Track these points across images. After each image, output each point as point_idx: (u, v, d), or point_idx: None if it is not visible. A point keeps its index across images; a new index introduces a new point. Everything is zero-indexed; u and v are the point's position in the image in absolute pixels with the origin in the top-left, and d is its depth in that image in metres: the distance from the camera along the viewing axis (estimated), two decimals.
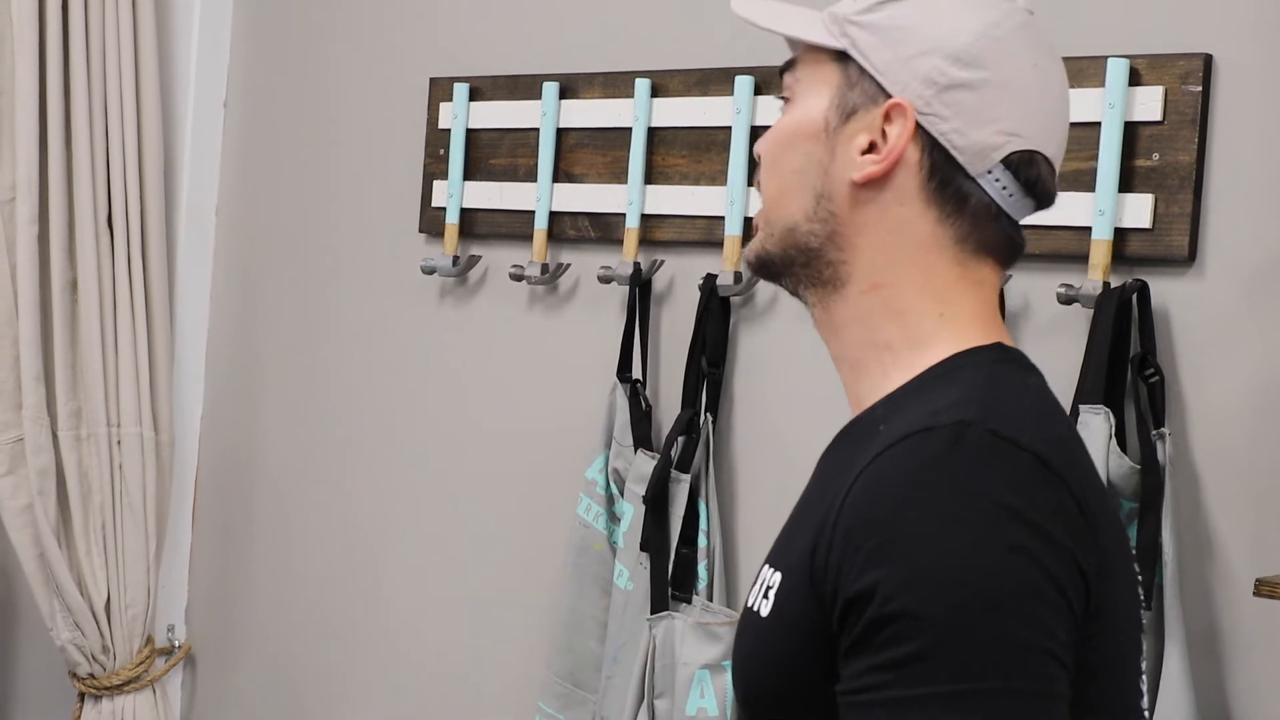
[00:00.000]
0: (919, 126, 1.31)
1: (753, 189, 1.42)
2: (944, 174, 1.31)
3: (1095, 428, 2.02)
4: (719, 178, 2.51)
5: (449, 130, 2.89)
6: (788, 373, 2.47)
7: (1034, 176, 1.33)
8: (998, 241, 1.34)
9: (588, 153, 2.71)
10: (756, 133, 2.46)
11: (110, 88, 3.10)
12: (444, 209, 2.89)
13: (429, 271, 2.90)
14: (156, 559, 3.20)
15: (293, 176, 3.27)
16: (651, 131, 2.60)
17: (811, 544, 1.24)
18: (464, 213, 2.87)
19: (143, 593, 3.18)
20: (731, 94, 2.49)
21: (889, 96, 1.31)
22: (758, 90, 2.47)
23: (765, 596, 1.30)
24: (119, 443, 3.14)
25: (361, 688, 3.08)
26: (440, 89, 2.94)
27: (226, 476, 3.37)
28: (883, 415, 1.30)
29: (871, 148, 1.32)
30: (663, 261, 2.60)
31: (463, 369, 2.94)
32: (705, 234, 2.54)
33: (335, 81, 3.19)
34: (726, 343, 2.51)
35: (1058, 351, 2.15)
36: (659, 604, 2.43)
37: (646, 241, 2.60)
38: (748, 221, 2.46)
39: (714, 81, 2.54)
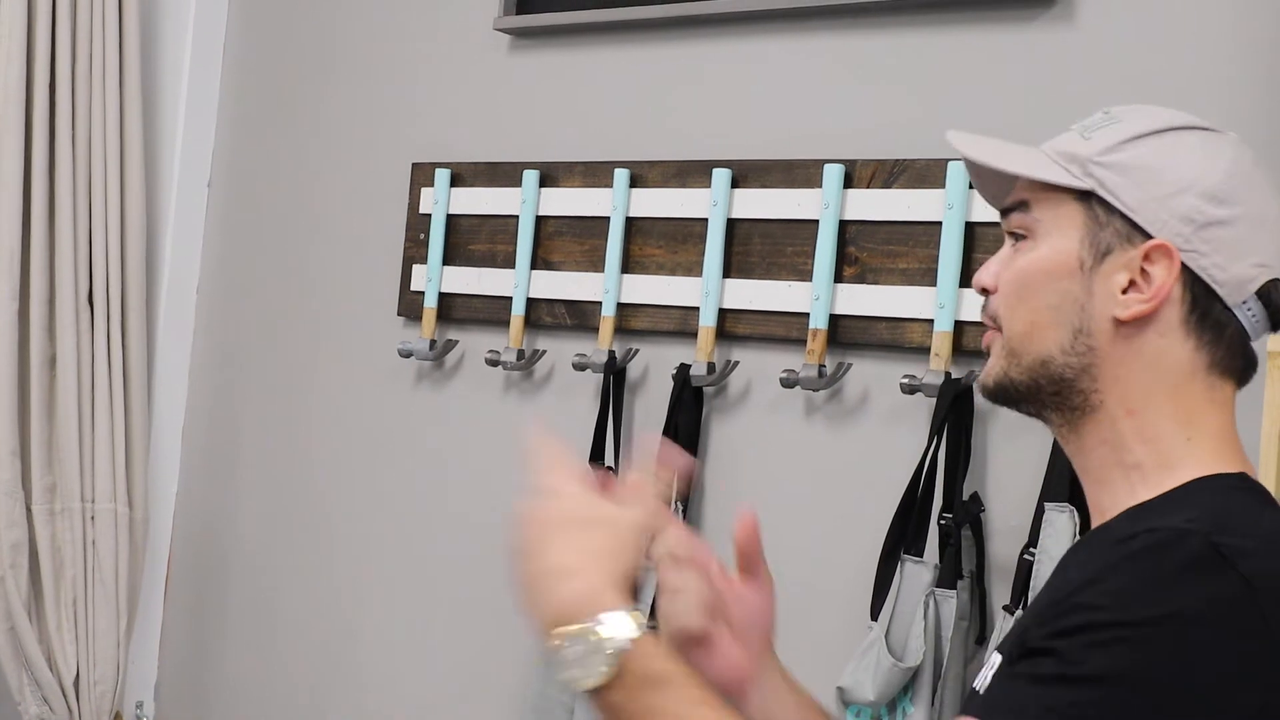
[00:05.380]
0: (1181, 263, 1.35)
1: (984, 315, 1.45)
2: (1204, 306, 1.36)
3: (1060, 526, 2.04)
4: (694, 268, 2.54)
5: (429, 215, 2.91)
6: (759, 463, 2.48)
7: (1277, 302, 1.39)
8: (1241, 364, 1.40)
9: (566, 241, 2.74)
10: (733, 225, 2.49)
11: (95, 165, 3.12)
12: (423, 293, 2.91)
13: (406, 355, 2.91)
14: (127, 635, 3.19)
15: (274, 257, 3.29)
16: (629, 221, 2.63)
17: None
18: (442, 297, 2.89)
19: (112, 668, 3.17)
20: (709, 186, 2.51)
21: (1144, 234, 1.35)
22: (734, 183, 2.50)
23: (986, 679, 1.34)
24: (93, 518, 3.14)
25: None
26: (422, 174, 2.96)
27: (200, 554, 3.37)
28: (1123, 528, 1.32)
29: (1131, 285, 1.36)
30: (637, 350, 2.62)
31: (438, 452, 2.95)
32: (680, 324, 2.56)
33: (318, 164, 3.22)
34: (699, 432, 2.52)
35: (1025, 448, 2.17)
36: None
37: (621, 330, 2.63)
38: (722, 313, 2.48)
39: (692, 173, 2.57)
